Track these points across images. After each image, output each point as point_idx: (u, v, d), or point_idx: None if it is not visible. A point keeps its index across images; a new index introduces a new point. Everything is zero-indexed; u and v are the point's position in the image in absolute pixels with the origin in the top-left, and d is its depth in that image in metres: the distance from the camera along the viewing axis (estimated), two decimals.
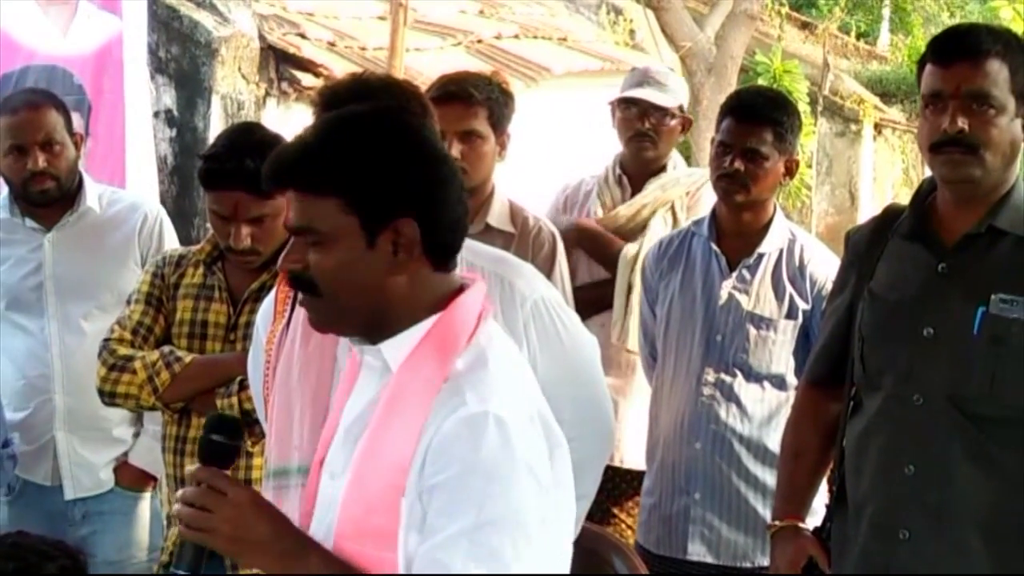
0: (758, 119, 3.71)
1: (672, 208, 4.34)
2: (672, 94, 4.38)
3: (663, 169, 4.38)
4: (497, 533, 1.95)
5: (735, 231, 3.79)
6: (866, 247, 3.02)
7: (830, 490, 3.09)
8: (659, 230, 4.25)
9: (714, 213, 3.85)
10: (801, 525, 3.12)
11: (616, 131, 4.44)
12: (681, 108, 4.42)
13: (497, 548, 1.95)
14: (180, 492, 2.08)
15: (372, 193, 2.04)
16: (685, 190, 4.36)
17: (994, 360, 2.81)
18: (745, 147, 3.69)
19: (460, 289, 2.12)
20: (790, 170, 3.78)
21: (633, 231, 4.31)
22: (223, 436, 2.13)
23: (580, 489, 2.22)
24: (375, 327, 2.09)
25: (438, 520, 1.97)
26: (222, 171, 3.33)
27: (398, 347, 2.07)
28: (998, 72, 2.82)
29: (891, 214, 3.05)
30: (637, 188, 4.38)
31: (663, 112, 4.34)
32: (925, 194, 2.98)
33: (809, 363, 3.22)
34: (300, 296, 2.15)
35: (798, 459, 3.15)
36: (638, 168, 4.38)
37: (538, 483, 2.00)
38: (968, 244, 2.88)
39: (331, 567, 2.03)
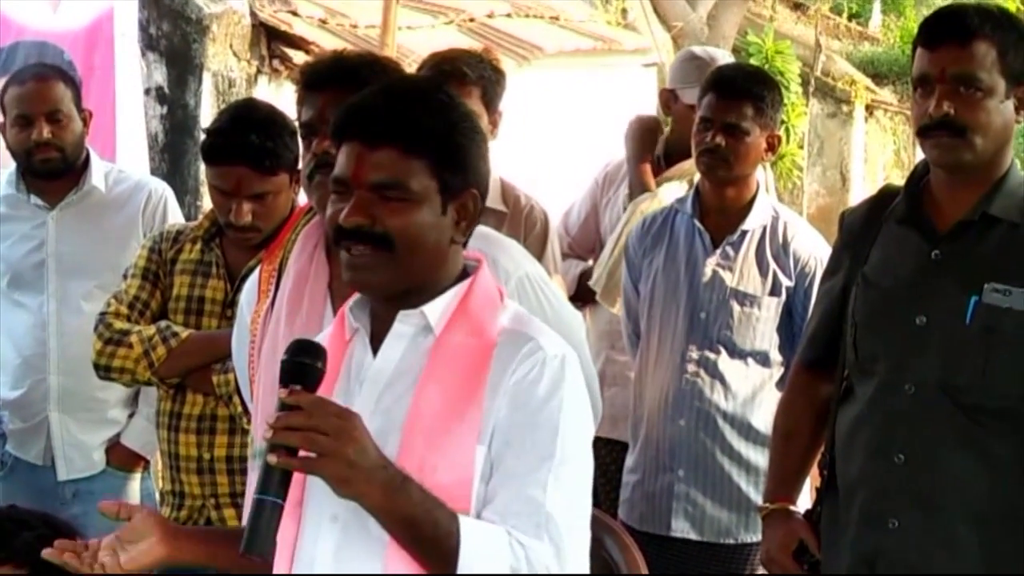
0: (738, 94, 3.72)
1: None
2: None
3: None
4: (574, 470, 2.08)
5: (718, 208, 3.80)
6: (860, 230, 3.00)
7: (820, 474, 3.08)
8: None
9: (697, 190, 3.86)
10: (792, 508, 3.12)
11: None
12: None
13: (572, 483, 2.08)
14: (276, 418, 1.95)
15: (456, 162, 2.12)
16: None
17: (986, 349, 2.80)
18: (726, 122, 3.70)
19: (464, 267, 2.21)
20: (772, 146, 3.79)
21: None
22: (308, 358, 2.01)
23: None
24: (419, 290, 2.14)
25: (522, 458, 2.05)
26: (226, 146, 3.33)
27: (439, 310, 2.14)
28: (985, 54, 2.79)
29: (886, 196, 3.03)
30: None
31: None
32: (919, 177, 2.95)
33: (801, 345, 3.21)
34: (352, 252, 2.09)
35: (790, 441, 3.15)
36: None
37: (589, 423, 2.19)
38: (961, 231, 2.86)
39: (427, 501, 1.99)
